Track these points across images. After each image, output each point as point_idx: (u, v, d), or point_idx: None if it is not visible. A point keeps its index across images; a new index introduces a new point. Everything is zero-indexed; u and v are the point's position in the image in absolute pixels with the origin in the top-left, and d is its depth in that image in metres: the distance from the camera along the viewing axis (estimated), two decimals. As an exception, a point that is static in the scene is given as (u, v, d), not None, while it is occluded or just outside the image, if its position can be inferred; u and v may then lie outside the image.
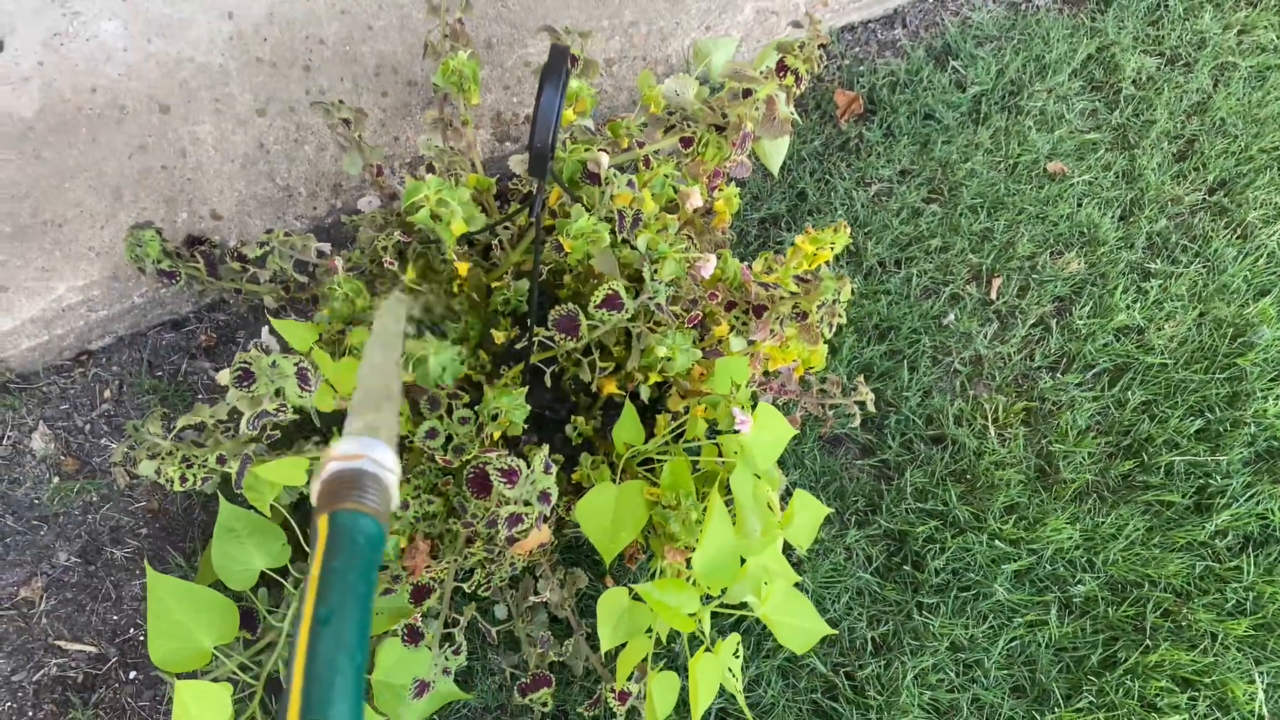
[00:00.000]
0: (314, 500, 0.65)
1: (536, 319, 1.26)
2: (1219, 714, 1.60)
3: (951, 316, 1.90)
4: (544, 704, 1.48)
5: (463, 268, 1.27)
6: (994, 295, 1.93)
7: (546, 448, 1.18)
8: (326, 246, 1.58)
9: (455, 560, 1.39)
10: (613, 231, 1.21)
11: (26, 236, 1.47)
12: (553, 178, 1.10)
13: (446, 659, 1.33)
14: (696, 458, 1.27)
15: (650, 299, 1.21)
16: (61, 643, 1.53)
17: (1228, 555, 1.72)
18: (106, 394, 1.67)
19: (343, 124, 1.43)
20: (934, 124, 2.07)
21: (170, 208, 1.58)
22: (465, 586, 1.43)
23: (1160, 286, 1.92)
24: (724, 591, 1.21)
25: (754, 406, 1.24)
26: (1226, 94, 2.12)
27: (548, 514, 1.18)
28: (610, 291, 1.18)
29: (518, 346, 1.34)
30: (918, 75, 2.10)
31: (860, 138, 2.05)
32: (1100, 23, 2.19)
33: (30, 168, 1.40)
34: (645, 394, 1.34)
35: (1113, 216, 1.99)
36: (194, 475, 1.18)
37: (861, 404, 1.56)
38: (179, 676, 1.07)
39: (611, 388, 1.33)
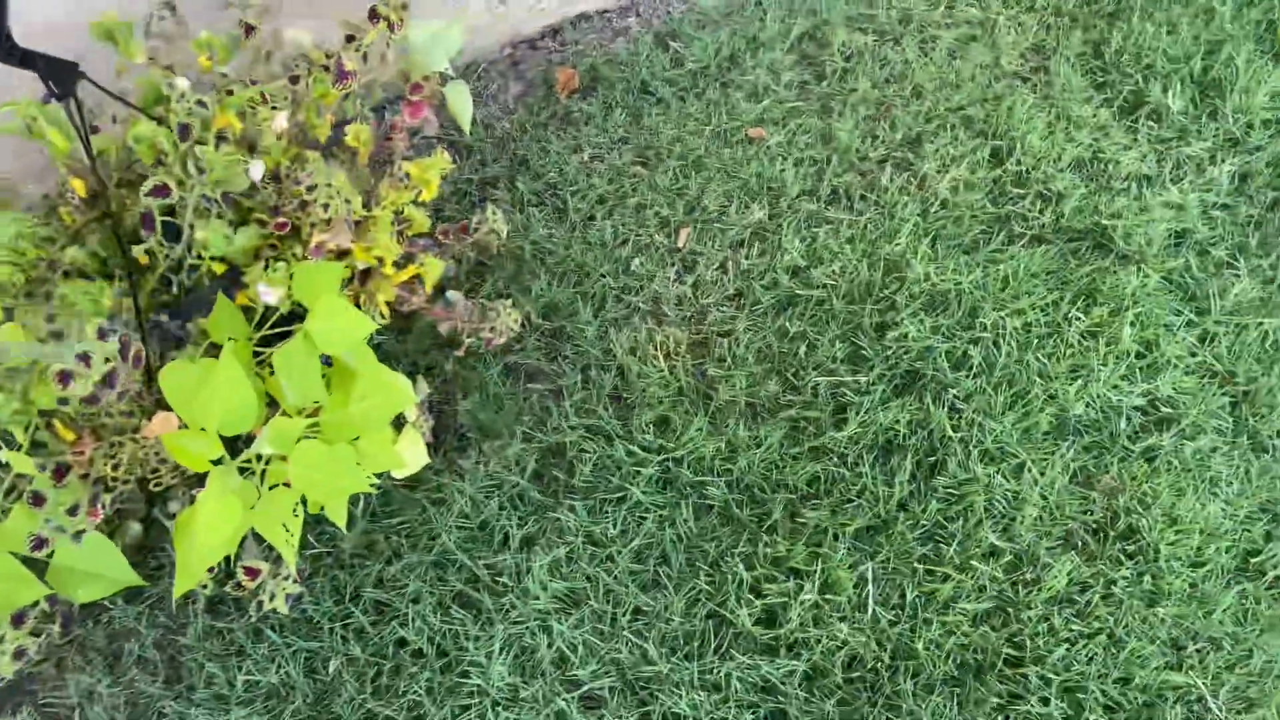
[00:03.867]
0: None
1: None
2: (820, 598, 1.75)
3: (636, 262, 2.11)
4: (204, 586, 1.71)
5: (78, 185, 1.54)
6: (681, 244, 2.13)
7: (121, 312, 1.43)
8: None
9: (110, 450, 1.63)
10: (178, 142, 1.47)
11: None
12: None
13: (67, 522, 1.56)
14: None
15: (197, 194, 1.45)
16: None
17: (854, 463, 1.87)
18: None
19: None
20: (649, 98, 2.30)
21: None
22: (151, 485, 1.67)
23: (832, 231, 2.11)
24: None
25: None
26: (925, 63, 2.31)
27: (110, 381, 1.41)
28: (159, 183, 1.42)
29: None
30: (638, 55, 2.33)
31: (580, 111, 2.29)
32: (815, 4, 2.40)
33: None
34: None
35: (801, 174, 2.18)
36: None
37: (499, 327, 1.79)
38: None
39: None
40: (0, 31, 1.13)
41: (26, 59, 1.18)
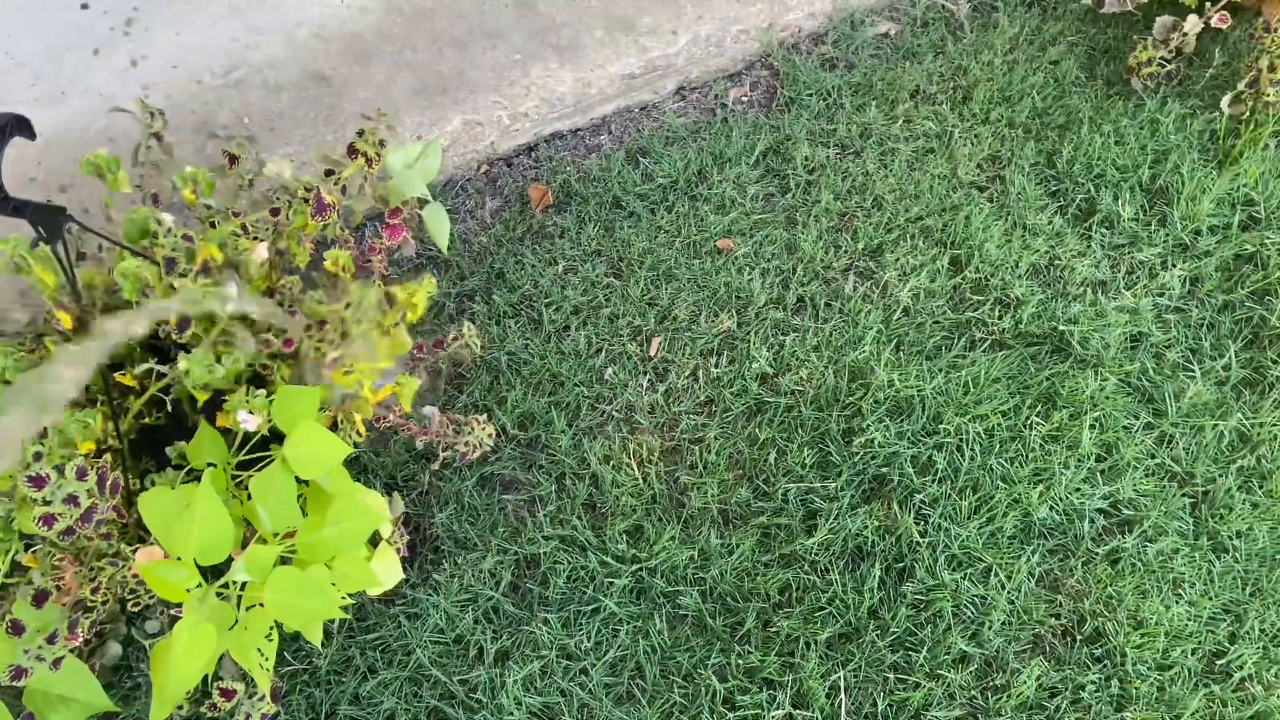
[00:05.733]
0: None
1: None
2: (795, 711, 1.76)
3: (610, 371, 2.16)
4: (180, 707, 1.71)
5: (63, 317, 1.59)
6: (653, 352, 2.19)
7: (106, 456, 1.47)
8: None
9: (90, 574, 1.65)
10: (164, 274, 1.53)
11: None
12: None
13: (46, 650, 1.57)
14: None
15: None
16: None
17: (824, 570, 1.90)
18: None
19: None
20: (621, 212, 2.39)
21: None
22: (130, 606, 1.69)
23: (799, 339, 2.17)
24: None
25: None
26: (885, 174, 2.41)
27: (88, 517, 1.45)
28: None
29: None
30: (609, 171, 2.42)
31: (554, 225, 2.37)
32: (779, 120, 2.51)
33: None
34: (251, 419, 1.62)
35: (768, 283, 2.26)
36: None
37: (472, 441, 1.83)
38: None
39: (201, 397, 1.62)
40: (-7, 186, 1.20)
41: (18, 208, 1.25)
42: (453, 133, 2.39)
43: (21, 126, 1.25)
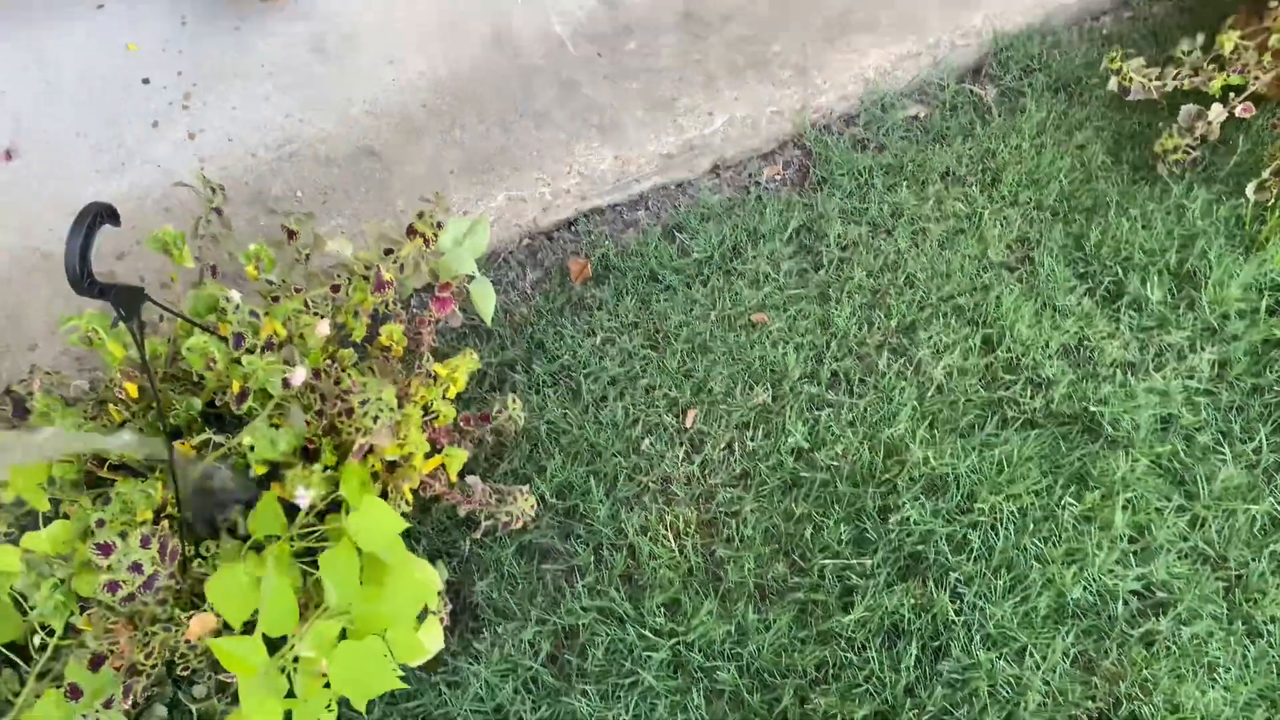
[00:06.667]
0: None
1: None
2: (831, 788, 1.77)
3: (646, 442, 2.20)
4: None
5: (130, 388, 1.65)
6: (688, 424, 2.23)
7: (162, 525, 1.51)
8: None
9: (143, 639, 1.69)
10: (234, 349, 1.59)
11: None
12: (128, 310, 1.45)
13: (103, 715, 1.60)
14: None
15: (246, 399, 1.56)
16: None
17: (860, 647, 1.92)
18: None
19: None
20: (657, 285, 2.45)
21: None
22: (178, 669, 1.72)
23: (833, 414, 2.21)
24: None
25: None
26: (917, 253, 2.47)
27: (150, 584, 1.49)
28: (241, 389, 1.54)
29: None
30: (647, 245, 2.49)
31: (593, 297, 2.43)
32: (811, 198, 2.58)
33: None
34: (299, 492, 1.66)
35: (802, 357, 2.30)
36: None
37: (515, 512, 1.87)
38: None
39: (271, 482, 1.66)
40: (84, 271, 1.26)
41: (102, 290, 1.31)
42: (497, 208, 2.46)
43: (109, 215, 1.31)
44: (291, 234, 1.91)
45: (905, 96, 2.77)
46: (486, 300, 2.06)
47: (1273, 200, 2.41)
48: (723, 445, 2.20)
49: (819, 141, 2.67)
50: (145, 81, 2.54)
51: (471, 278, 2.00)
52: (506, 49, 2.65)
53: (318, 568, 1.51)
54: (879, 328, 2.36)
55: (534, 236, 2.53)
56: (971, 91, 2.79)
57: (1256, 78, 2.47)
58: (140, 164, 2.42)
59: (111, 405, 1.78)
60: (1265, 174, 2.41)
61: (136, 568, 1.46)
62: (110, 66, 2.55)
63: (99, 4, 2.64)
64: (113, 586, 1.45)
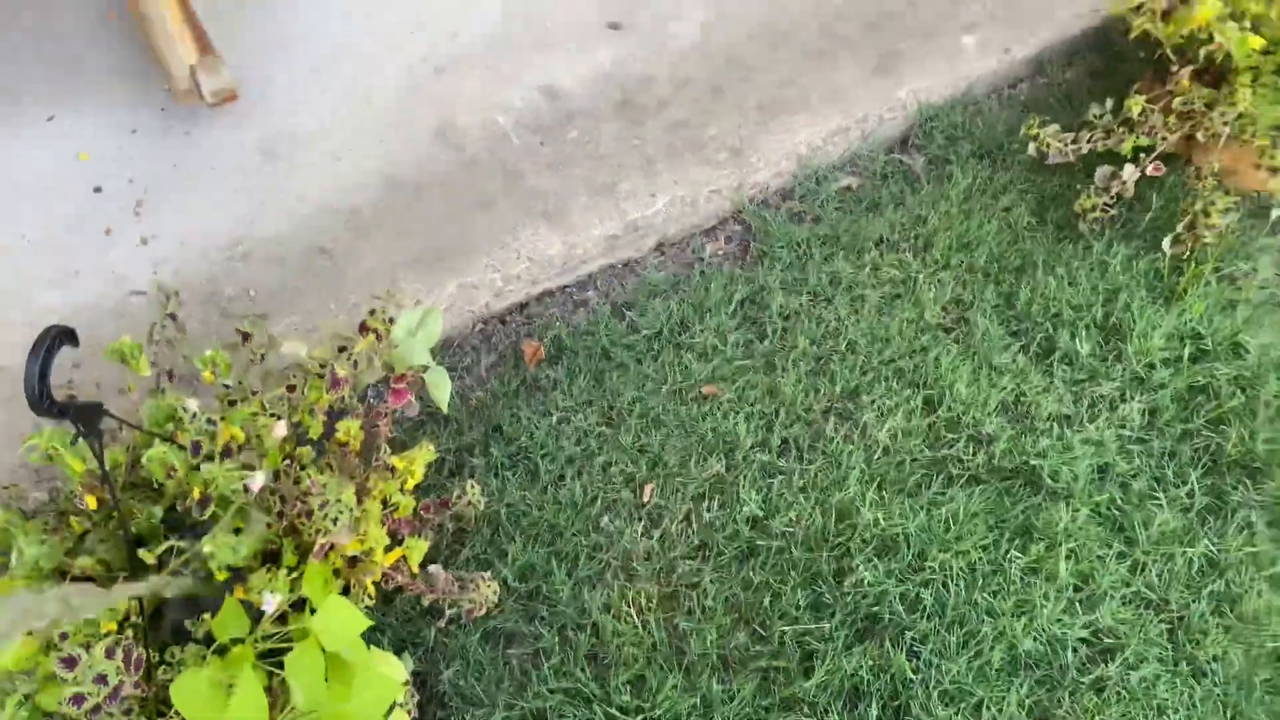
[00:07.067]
0: None
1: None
2: None
3: (606, 519, 2.25)
4: None
5: (90, 500, 1.67)
6: (646, 499, 2.29)
7: (125, 635, 1.53)
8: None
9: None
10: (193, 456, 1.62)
11: None
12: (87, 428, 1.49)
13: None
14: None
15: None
16: None
17: (823, 711, 1.96)
18: None
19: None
20: (610, 362, 2.52)
21: None
22: None
23: (785, 481, 2.28)
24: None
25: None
26: (856, 319, 2.57)
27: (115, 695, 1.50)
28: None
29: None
30: (597, 324, 2.56)
31: (547, 377, 2.49)
32: (753, 271, 2.68)
33: None
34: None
35: (753, 426, 2.37)
36: None
37: (478, 599, 1.90)
38: None
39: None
40: (43, 392, 1.30)
41: (61, 410, 1.35)
42: (450, 295, 2.52)
43: (67, 337, 1.36)
44: (246, 336, 1.95)
45: (837, 169, 2.90)
46: (442, 388, 2.11)
47: (1188, 253, 2.55)
48: (680, 518, 2.25)
49: (757, 216, 2.78)
50: (97, 190, 2.59)
51: (426, 368, 2.06)
52: (451, 142, 2.74)
53: (283, 668, 1.53)
54: (824, 394, 2.44)
55: (487, 321, 2.60)
56: (900, 161, 2.92)
57: (1164, 138, 2.62)
58: (94, 271, 2.46)
59: (72, 517, 1.80)
60: (1179, 228, 2.55)
61: (102, 679, 1.47)
62: (61, 176, 2.60)
63: (49, 116, 2.70)
64: (78, 700, 1.46)
